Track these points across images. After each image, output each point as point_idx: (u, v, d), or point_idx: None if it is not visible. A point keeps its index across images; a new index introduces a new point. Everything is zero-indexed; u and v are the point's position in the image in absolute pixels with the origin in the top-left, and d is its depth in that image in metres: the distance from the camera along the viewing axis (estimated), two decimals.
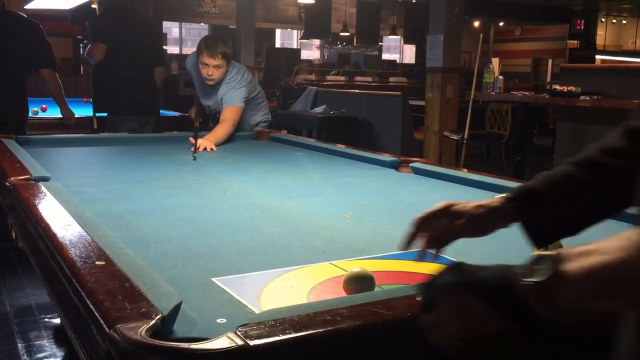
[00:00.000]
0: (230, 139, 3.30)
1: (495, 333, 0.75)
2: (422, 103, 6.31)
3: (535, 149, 8.36)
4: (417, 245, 1.11)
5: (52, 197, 1.67)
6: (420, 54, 14.03)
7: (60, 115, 4.15)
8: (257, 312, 1.00)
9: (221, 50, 3.35)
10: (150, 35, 4.40)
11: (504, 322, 0.73)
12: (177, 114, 5.00)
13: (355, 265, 1.30)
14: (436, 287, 0.79)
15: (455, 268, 0.78)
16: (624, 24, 16.62)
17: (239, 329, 0.86)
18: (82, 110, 4.81)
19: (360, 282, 1.13)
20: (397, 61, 15.73)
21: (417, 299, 0.96)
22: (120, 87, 4.07)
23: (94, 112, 4.33)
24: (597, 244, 0.66)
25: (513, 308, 0.71)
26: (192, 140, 2.95)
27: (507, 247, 1.50)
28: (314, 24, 12.54)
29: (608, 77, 5.64)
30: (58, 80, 4.05)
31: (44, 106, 5.02)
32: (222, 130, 3.22)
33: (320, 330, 0.88)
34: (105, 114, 4.21)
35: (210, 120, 3.73)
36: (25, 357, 2.63)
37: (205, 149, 2.99)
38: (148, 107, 4.22)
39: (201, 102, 3.68)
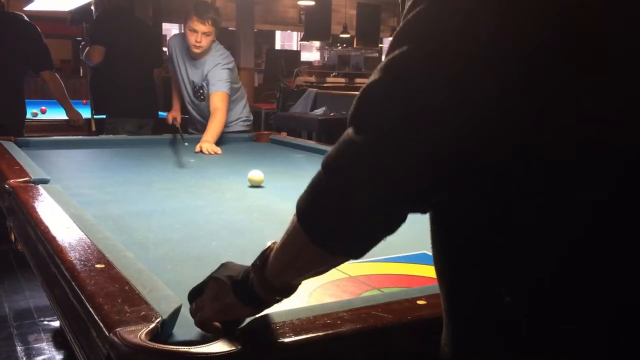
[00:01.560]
0: (228, 141, 3.30)
1: (245, 317, 0.88)
2: None
3: None
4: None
5: (51, 200, 1.66)
6: None
7: (66, 118, 4.14)
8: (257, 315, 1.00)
9: (211, 15, 3.25)
10: (148, 36, 4.40)
11: (248, 308, 0.86)
12: None
13: (356, 268, 1.30)
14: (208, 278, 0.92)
15: (222, 265, 0.92)
16: None
17: (239, 332, 0.85)
18: (82, 112, 4.81)
19: None
20: None
21: (418, 302, 0.96)
22: (119, 89, 4.06)
23: (92, 114, 4.33)
24: None
25: (247, 292, 0.84)
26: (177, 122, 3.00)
27: None
28: (314, 25, 12.55)
29: None
30: (60, 81, 4.04)
31: (43, 108, 5.02)
32: (217, 124, 3.17)
33: (320, 333, 0.88)
34: (104, 116, 4.21)
35: (190, 105, 3.65)
36: None
37: (210, 153, 2.96)
38: (147, 109, 4.21)
39: (184, 82, 3.55)
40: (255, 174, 2.25)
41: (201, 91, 3.47)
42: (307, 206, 0.73)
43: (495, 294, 0.67)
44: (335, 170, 0.69)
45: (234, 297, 0.85)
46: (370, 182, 0.66)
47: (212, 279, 0.90)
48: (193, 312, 0.92)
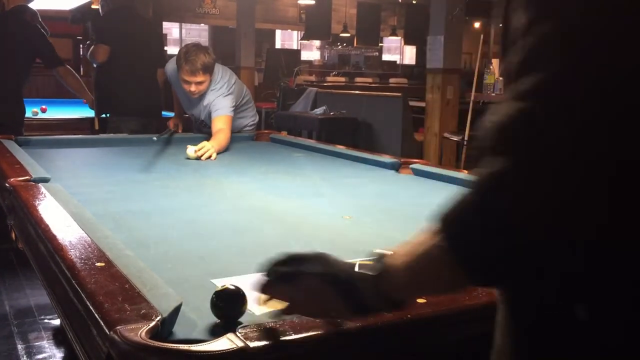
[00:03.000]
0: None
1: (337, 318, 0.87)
2: (423, 104, 6.32)
3: None
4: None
5: (51, 198, 1.66)
6: (420, 55, 14.04)
7: (68, 117, 4.17)
8: (257, 313, 1.00)
9: (201, 64, 3.14)
10: (152, 36, 4.40)
11: (347, 312, 0.83)
12: None
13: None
14: (300, 266, 0.86)
15: (319, 257, 0.87)
16: None
17: (239, 330, 0.86)
18: (83, 111, 4.81)
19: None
20: (398, 62, 15.74)
21: (418, 300, 0.96)
22: (123, 88, 4.07)
23: (96, 113, 4.33)
24: (412, 239, 0.77)
25: (355, 299, 0.81)
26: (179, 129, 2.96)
27: None
28: (314, 24, 12.54)
29: None
30: (75, 74, 4.08)
31: (43, 107, 5.02)
32: (223, 137, 3.07)
33: (320, 332, 0.88)
34: (107, 115, 4.21)
35: (194, 128, 3.69)
36: (24, 358, 2.63)
37: (208, 157, 2.88)
38: (150, 108, 4.21)
39: (184, 109, 3.60)
40: (190, 150, 2.77)
41: (204, 123, 3.46)
42: (459, 229, 0.69)
43: (568, 310, 0.66)
44: (489, 200, 0.66)
45: (340, 301, 0.82)
46: (524, 213, 0.63)
47: (308, 274, 0.85)
48: (271, 291, 0.88)
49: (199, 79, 3.18)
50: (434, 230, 0.72)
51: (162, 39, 5.11)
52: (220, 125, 3.15)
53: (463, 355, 0.97)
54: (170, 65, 3.54)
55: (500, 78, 5.92)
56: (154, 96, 4.25)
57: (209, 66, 3.18)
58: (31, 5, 5.41)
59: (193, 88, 3.21)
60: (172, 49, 13.37)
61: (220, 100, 3.25)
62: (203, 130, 3.56)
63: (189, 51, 3.19)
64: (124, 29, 4.06)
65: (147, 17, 5.40)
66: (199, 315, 0.99)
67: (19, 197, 1.71)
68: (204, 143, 2.86)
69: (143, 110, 4.12)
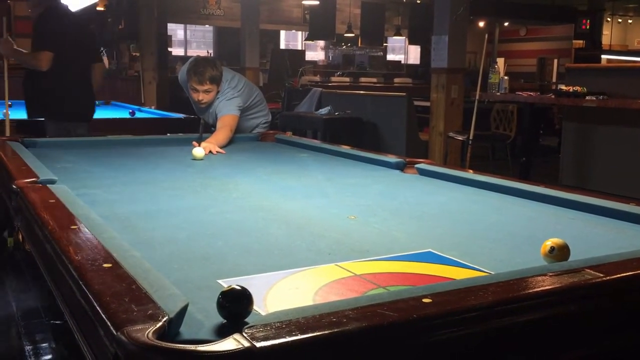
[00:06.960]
0: (234, 141, 3.31)
1: None
2: (427, 104, 6.32)
3: (541, 149, 8.34)
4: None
5: (58, 200, 1.67)
6: (425, 54, 14.04)
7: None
8: (263, 313, 1.00)
9: (209, 75, 3.35)
10: (84, 32, 4.25)
11: None
12: (182, 115, 5.00)
13: (361, 267, 1.30)
14: None
15: None
16: (630, 23, 16.60)
17: (246, 330, 0.86)
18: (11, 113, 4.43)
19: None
20: (402, 62, 15.74)
21: (424, 300, 0.96)
22: (54, 93, 3.92)
23: (28, 116, 4.13)
24: None
25: None
26: (195, 144, 2.93)
27: (515, 247, 1.49)
28: (318, 25, 12.55)
29: (614, 77, 5.62)
30: None
31: None
32: (222, 134, 3.22)
33: (326, 332, 0.88)
34: (41, 119, 4.02)
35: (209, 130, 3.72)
36: (32, 358, 2.64)
37: (210, 152, 2.97)
38: (78, 112, 4.10)
39: (197, 114, 3.69)
40: (197, 151, 2.78)
41: (213, 129, 3.50)
42: None
43: None
44: None
45: None
46: None
47: None
48: None
49: (206, 87, 3.38)
50: None
51: (94, 35, 4.83)
52: (224, 122, 3.34)
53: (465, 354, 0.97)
54: (182, 75, 3.65)
55: (505, 77, 5.92)
56: (85, 99, 4.13)
57: (215, 77, 3.39)
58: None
59: (201, 97, 3.41)
60: (177, 50, 13.40)
61: (224, 103, 3.42)
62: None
63: (198, 64, 3.43)
64: (62, 31, 3.92)
65: (150, 18, 5.32)
66: (205, 315, 1.00)
67: (26, 199, 1.72)
68: (204, 144, 2.96)
69: (73, 115, 4.01)
